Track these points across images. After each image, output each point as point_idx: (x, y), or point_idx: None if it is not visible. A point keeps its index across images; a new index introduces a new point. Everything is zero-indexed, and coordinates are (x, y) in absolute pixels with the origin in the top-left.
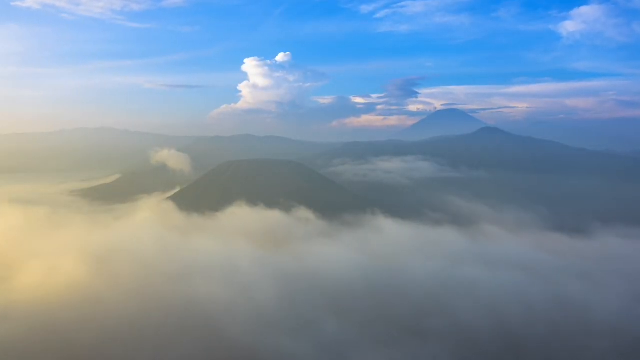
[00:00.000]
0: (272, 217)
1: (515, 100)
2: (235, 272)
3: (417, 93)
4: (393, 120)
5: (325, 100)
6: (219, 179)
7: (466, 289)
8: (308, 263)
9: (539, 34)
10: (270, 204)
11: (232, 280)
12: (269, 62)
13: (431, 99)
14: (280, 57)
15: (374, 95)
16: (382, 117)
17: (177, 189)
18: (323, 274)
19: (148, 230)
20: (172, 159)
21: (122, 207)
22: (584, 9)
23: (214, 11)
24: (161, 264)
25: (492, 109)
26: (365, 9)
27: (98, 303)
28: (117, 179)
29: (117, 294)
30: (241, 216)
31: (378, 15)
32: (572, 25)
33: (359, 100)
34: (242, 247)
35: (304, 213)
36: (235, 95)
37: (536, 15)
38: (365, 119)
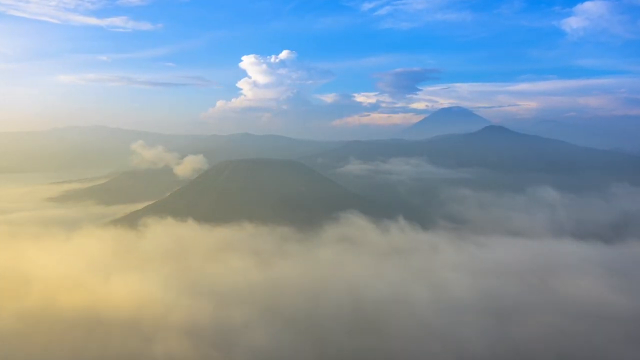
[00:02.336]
0: (263, 227)
1: (521, 98)
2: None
3: (419, 89)
4: (396, 118)
5: (328, 98)
6: (215, 180)
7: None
8: (291, 274)
9: (542, 31)
10: (267, 209)
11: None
12: (269, 59)
13: (435, 96)
14: (283, 54)
15: (377, 93)
16: (385, 115)
17: (170, 192)
18: (299, 286)
19: (111, 247)
20: (167, 158)
21: (108, 211)
22: (587, 5)
23: (175, 9)
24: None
25: (497, 107)
26: (366, 6)
27: None
28: (107, 181)
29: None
30: (236, 225)
31: (379, 13)
32: (575, 21)
33: (362, 98)
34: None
35: (299, 217)
36: (231, 94)
37: (539, 11)
38: (369, 117)
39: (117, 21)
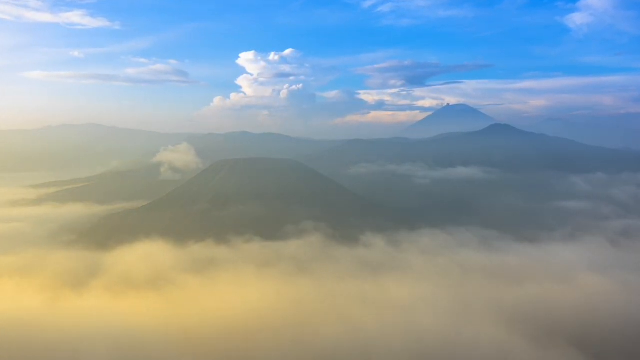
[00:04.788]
0: (258, 237)
1: (528, 96)
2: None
3: (424, 87)
4: (401, 116)
5: (331, 95)
6: (211, 180)
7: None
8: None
9: (546, 27)
10: (264, 214)
11: None
12: (268, 56)
13: (440, 94)
14: (285, 52)
15: (381, 91)
16: (390, 113)
17: (166, 194)
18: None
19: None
20: (163, 157)
21: (90, 215)
22: (591, 0)
23: (136, 4)
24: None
25: (506, 104)
26: (367, 3)
27: None
28: (98, 182)
29: None
30: (229, 235)
31: (381, 10)
32: (580, 17)
33: (365, 96)
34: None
35: (300, 225)
36: (230, 91)
37: (542, 7)
38: (372, 115)
39: (73, 17)
